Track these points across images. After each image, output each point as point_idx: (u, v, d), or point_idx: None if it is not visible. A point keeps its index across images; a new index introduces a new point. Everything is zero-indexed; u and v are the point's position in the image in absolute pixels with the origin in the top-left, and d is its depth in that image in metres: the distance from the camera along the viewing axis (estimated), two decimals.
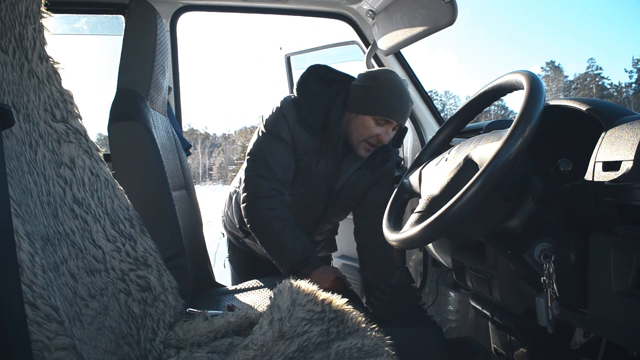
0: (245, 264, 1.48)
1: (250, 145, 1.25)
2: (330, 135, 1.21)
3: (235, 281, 1.50)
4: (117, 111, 1.00)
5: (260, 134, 1.23)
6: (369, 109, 1.17)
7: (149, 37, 1.05)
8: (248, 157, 1.23)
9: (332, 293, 1.01)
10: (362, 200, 1.36)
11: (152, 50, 1.05)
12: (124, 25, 1.22)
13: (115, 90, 1.04)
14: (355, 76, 1.27)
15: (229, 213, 1.42)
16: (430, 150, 0.95)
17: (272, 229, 1.17)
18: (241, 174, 1.38)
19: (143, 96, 1.04)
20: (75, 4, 1.40)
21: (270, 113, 1.24)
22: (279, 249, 1.17)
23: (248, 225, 1.22)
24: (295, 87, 1.25)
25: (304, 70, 1.27)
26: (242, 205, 1.21)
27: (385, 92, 1.16)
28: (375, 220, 1.30)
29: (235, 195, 1.37)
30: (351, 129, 1.21)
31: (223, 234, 1.52)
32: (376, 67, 1.60)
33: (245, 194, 1.20)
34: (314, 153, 1.23)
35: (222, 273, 1.55)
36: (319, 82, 1.25)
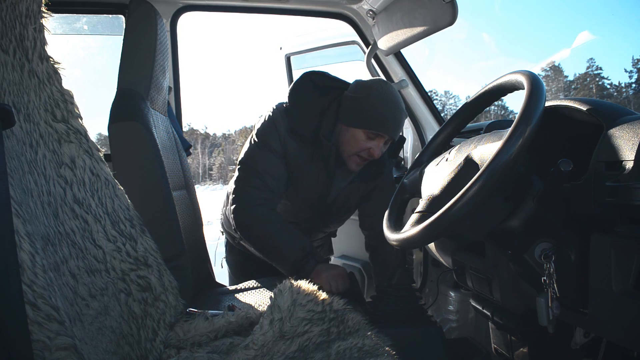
0: (241, 265, 1.46)
1: (241, 154, 1.21)
2: (322, 147, 1.17)
3: (233, 282, 1.48)
4: (118, 111, 1.00)
5: (251, 142, 1.19)
6: (360, 122, 1.12)
7: (149, 37, 1.05)
8: (239, 166, 1.19)
9: (340, 288, 1.00)
10: (363, 212, 1.35)
11: (153, 50, 1.05)
12: (124, 25, 1.22)
13: (115, 90, 1.04)
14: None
15: (226, 213, 1.39)
16: (430, 151, 0.95)
17: (267, 233, 1.13)
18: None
19: (143, 96, 1.04)
20: (75, 4, 1.40)
21: (262, 121, 1.20)
22: (277, 251, 1.13)
23: (240, 235, 1.18)
24: (288, 93, 1.20)
25: (304, 71, 1.25)
26: (232, 216, 1.17)
27: (377, 104, 1.11)
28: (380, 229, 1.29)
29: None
30: (342, 142, 1.16)
31: (222, 232, 1.51)
32: (380, 75, 1.60)
33: (235, 204, 1.16)
34: (305, 164, 1.19)
35: (220, 273, 1.54)
36: (313, 89, 1.19)
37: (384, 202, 1.13)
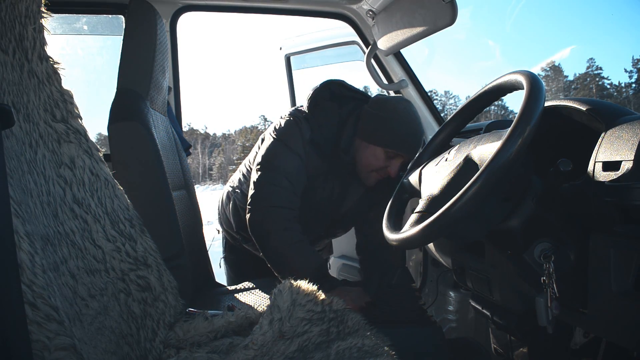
0: (243, 264, 1.44)
1: (262, 153, 1.17)
2: (339, 161, 1.16)
3: (232, 281, 1.47)
4: (117, 111, 1.00)
5: (274, 144, 1.16)
6: (383, 141, 1.12)
7: (149, 37, 1.05)
8: (261, 165, 1.14)
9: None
10: (363, 220, 1.34)
11: (152, 50, 1.05)
12: (124, 25, 1.22)
13: (115, 90, 1.04)
14: (368, 92, 1.24)
15: (226, 213, 1.36)
16: (430, 150, 0.95)
17: (286, 242, 1.07)
18: (239, 174, 1.34)
19: (143, 96, 1.04)
20: (75, 4, 1.40)
21: (284, 123, 1.17)
22: (291, 263, 1.07)
23: (256, 238, 1.12)
24: (307, 103, 1.19)
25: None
26: (250, 213, 1.11)
27: (402, 126, 1.12)
28: (376, 237, 1.26)
29: (234, 195, 1.31)
30: (361, 157, 1.16)
31: (219, 231, 1.48)
32: (380, 75, 1.59)
33: (256, 202, 1.11)
34: (322, 176, 1.18)
35: (219, 272, 1.53)
36: (332, 99, 1.19)
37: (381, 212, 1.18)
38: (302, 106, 1.22)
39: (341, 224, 1.32)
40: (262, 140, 1.25)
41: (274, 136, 1.17)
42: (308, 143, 1.15)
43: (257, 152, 1.24)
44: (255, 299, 1.15)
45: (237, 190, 1.31)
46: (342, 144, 1.15)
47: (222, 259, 1.50)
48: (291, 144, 1.14)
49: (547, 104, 0.74)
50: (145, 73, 1.05)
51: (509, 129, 0.59)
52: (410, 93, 1.56)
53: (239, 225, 1.27)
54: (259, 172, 1.14)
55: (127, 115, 0.99)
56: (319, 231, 1.29)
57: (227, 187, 1.41)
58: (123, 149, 0.99)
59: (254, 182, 1.14)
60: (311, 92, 1.20)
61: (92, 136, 0.73)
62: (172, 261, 0.94)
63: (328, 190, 1.20)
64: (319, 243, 1.39)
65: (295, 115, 1.18)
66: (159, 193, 1.01)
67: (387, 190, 1.22)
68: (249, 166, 1.29)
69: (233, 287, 1.27)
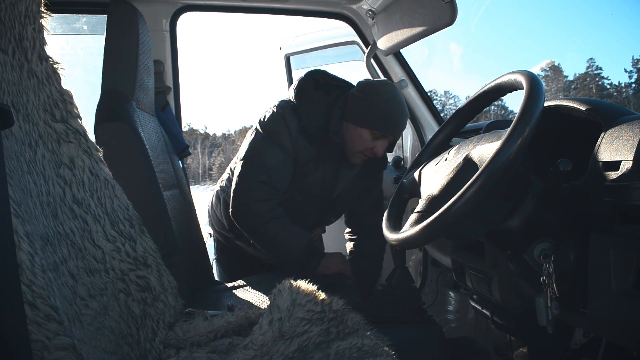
0: (235, 264, 1.45)
1: (244, 148, 1.22)
2: (329, 144, 1.20)
3: (225, 281, 1.46)
4: (103, 112, 0.99)
5: (257, 137, 1.20)
6: (369, 123, 1.17)
7: (131, 38, 1.03)
8: (244, 160, 1.20)
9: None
10: (351, 211, 1.39)
11: (135, 50, 1.04)
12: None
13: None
14: (353, 82, 1.26)
15: (217, 213, 1.38)
16: (430, 150, 0.95)
17: (275, 229, 1.16)
18: (229, 172, 1.36)
19: (128, 97, 1.03)
20: (75, 4, 1.39)
21: (269, 116, 1.20)
22: (284, 247, 1.17)
23: (244, 230, 1.20)
24: (293, 93, 1.23)
25: (303, 71, 1.26)
26: (234, 210, 1.18)
27: (386, 107, 1.16)
28: (366, 229, 1.37)
29: (223, 195, 1.34)
30: (348, 139, 1.21)
31: (210, 234, 1.49)
32: (380, 75, 1.60)
33: (239, 199, 1.17)
34: (313, 161, 1.21)
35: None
36: (316, 88, 1.23)
37: (371, 203, 1.35)
38: (288, 98, 1.25)
39: (335, 209, 1.34)
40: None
41: (259, 130, 1.21)
42: (297, 132, 1.18)
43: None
44: (255, 296, 1.14)
45: (226, 189, 1.32)
46: (332, 128, 1.19)
47: (215, 261, 1.50)
48: (275, 137, 1.17)
49: (546, 103, 0.74)
50: (130, 73, 1.04)
51: (509, 129, 0.59)
52: (410, 93, 1.56)
53: (231, 224, 1.28)
54: (242, 167, 1.19)
55: (113, 116, 0.98)
56: (313, 217, 1.31)
57: (216, 188, 1.42)
58: (110, 149, 0.97)
59: (237, 175, 1.20)
60: (296, 83, 1.24)
61: (92, 136, 0.73)
62: (166, 260, 0.93)
63: (320, 175, 1.23)
64: (314, 232, 1.40)
65: (281, 107, 1.21)
66: (148, 192, 1.01)
67: (376, 174, 1.34)
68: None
69: (232, 284, 1.27)
